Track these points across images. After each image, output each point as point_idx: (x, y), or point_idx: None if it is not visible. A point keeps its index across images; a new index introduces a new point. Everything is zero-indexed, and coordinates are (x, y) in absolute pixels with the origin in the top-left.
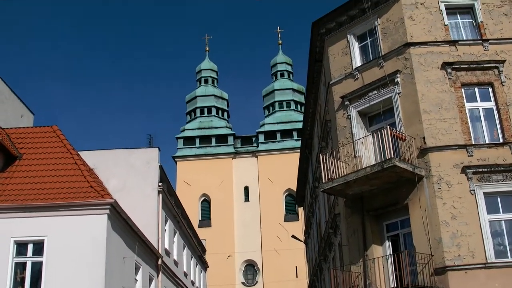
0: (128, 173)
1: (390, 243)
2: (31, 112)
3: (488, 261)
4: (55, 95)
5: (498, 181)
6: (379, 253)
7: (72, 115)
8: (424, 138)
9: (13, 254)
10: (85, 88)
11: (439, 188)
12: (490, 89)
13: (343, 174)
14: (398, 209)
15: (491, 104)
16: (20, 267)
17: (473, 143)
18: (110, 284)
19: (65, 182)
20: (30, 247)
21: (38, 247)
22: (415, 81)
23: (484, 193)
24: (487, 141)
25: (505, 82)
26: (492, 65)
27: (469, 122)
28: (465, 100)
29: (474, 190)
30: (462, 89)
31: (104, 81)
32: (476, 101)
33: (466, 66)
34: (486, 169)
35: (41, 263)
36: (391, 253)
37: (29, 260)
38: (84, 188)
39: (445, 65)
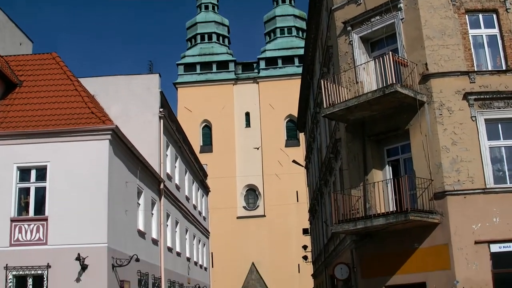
0: (128, 100)
1: (391, 168)
2: (29, 39)
3: (487, 187)
4: (53, 22)
5: (500, 108)
6: (379, 177)
7: (71, 43)
8: (426, 64)
9: (17, 179)
10: (85, 15)
11: (440, 114)
12: (494, 16)
13: (344, 100)
14: (399, 134)
15: (495, 31)
16: (24, 193)
17: (475, 69)
18: (113, 208)
19: (66, 109)
20: (33, 173)
21: (41, 173)
22: (419, 7)
23: (485, 120)
24: (489, 68)
25: (510, 9)
26: None
27: (472, 49)
28: (468, 27)
29: (475, 116)
30: (466, 16)
31: (104, 7)
32: (480, 27)
33: None
34: (487, 96)
35: (44, 188)
36: (391, 177)
37: (32, 185)
38: (85, 114)
39: None
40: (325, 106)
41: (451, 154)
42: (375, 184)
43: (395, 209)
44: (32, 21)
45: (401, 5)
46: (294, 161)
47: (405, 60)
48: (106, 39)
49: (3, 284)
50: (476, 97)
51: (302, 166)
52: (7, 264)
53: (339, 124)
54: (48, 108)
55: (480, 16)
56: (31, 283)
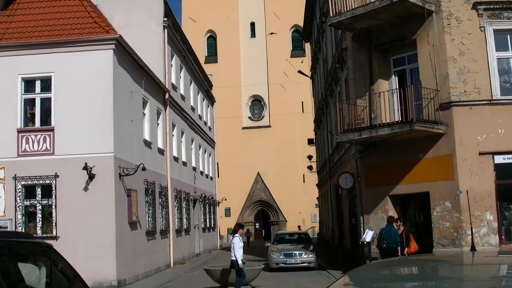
0: (132, 9)
1: (397, 78)
2: None
3: (494, 98)
4: None
5: (509, 18)
6: (385, 87)
7: None
8: None
9: (22, 91)
10: None
11: (448, 24)
12: None
13: (351, 8)
14: (406, 44)
15: None
16: (29, 104)
17: None
18: (119, 118)
19: (69, 19)
20: (38, 84)
21: (46, 84)
22: None
23: (494, 30)
24: None
25: None
26: None
27: None
28: None
29: (484, 26)
30: None
31: None
32: None
33: None
34: (497, 6)
35: (49, 99)
36: (397, 87)
37: (37, 96)
38: (89, 24)
39: None
40: (331, 15)
41: (458, 65)
42: (380, 94)
43: (400, 119)
44: None
45: None
46: (299, 72)
47: None
48: None
49: (13, 194)
50: (485, 6)
51: (308, 76)
52: (15, 174)
53: (346, 33)
54: (50, 18)
55: None
56: (39, 192)
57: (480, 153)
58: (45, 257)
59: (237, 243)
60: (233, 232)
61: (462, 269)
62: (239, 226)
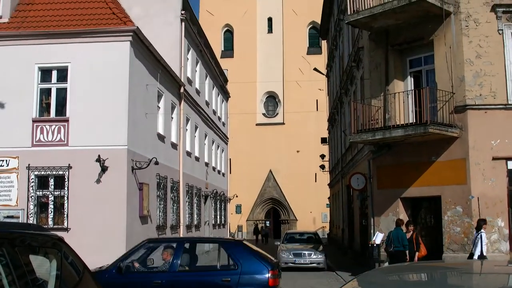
0: (150, 1)
1: (412, 79)
2: None
3: (509, 102)
4: None
5: None
6: (401, 88)
7: None
8: None
9: (38, 80)
10: None
11: (466, 26)
12: None
13: (369, 6)
14: (423, 44)
15: None
16: (45, 93)
17: None
18: (134, 110)
19: (87, 9)
20: (54, 74)
21: (62, 74)
22: None
23: None
24: None
25: None
26: None
27: None
28: None
29: (502, 29)
30: None
31: None
32: None
33: None
34: None
35: (65, 89)
36: (413, 88)
37: (53, 86)
38: (107, 15)
39: None
40: (349, 13)
41: (475, 68)
42: (395, 94)
43: (414, 121)
44: None
45: None
46: (315, 69)
47: None
48: None
49: (26, 184)
50: (504, 9)
51: (323, 74)
52: (29, 164)
53: (363, 32)
54: (69, 8)
55: None
56: (52, 183)
57: (494, 158)
58: (56, 250)
59: None
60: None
61: (471, 277)
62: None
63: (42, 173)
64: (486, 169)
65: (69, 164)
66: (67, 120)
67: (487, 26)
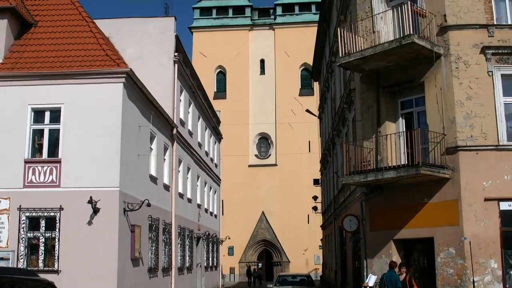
0: (143, 43)
1: (404, 121)
2: None
3: (500, 144)
4: None
5: None
6: (392, 130)
7: None
8: (445, 15)
9: (31, 121)
10: None
11: (456, 68)
12: None
13: (360, 49)
14: (414, 86)
15: None
16: (38, 134)
17: (495, 23)
18: (126, 152)
19: (80, 50)
20: (47, 115)
21: (55, 115)
22: None
23: (502, 75)
24: (509, 22)
25: None
26: None
27: (493, 1)
28: None
29: (492, 71)
30: None
31: None
32: None
33: None
34: (506, 51)
35: (58, 130)
36: (404, 130)
37: (46, 127)
38: (100, 56)
39: None
40: (340, 55)
41: (465, 109)
42: (387, 136)
43: (406, 163)
44: None
45: None
46: (307, 111)
47: (424, 11)
48: None
49: (17, 225)
50: (494, 51)
51: (315, 115)
52: (20, 205)
53: (354, 74)
54: (63, 50)
55: None
56: (43, 224)
57: (486, 199)
58: None
59: None
60: None
61: None
62: None
63: (34, 214)
64: (478, 210)
65: (60, 206)
66: (59, 161)
67: (477, 68)
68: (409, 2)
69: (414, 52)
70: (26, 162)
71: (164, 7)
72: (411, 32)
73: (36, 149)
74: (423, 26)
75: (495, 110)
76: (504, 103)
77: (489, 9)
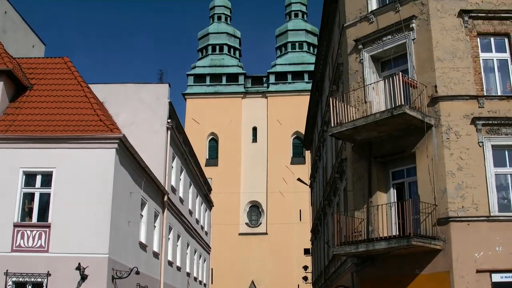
0: (137, 108)
1: (395, 191)
2: (42, 42)
3: (492, 214)
4: (66, 25)
5: (508, 134)
6: (384, 200)
7: (83, 47)
8: (435, 86)
9: (22, 184)
10: (97, 21)
11: (447, 138)
12: (506, 40)
13: (352, 119)
14: (405, 157)
15: (506, 55)
16: (28, 198)
17: (485, 94)
18: (116, 218)
19: (74, 115)
20: (38, 178)
21: (47, 179)
22: (431, 27)
23: (492, 146)
24: (499, 93)
25: None
26: (510, 15)
27: (483, 73)
28: (480, 50)
29: (482, 142)
30: (478, 38)
31: (117, 15)
32: (491, 51)
33: (484, 15)
34: (496, 122)
35: (49, 194)
36: (395, 201)
37: (37, 191)
38: (94, 121)
39: (462, 13)
40: (332, 125)
41: (457, 180)
42: (379, 207)
43: (397, 233)
44: (45, 22)
45: (413, 25)
46: (299, 179)
47: (415, 82)
48: (118, 46)
49: None
50: (484, 122)
51: (307, 184)
52: (7, 270)
53: (346, 143)
54: (57, 113)
55: (492, 39)
56: None
57: (478, 271)
58: None
59: None
60: None
61: None
62: None
63: (20, 279)
64: (470, 282)
65: (48, 271)
66: (48, 226)
67: (467, 139)
68: (400, 73)
69: (406, 123)
70: (15, 225)
71: (159, 73)
72: (403, 103)
73: (26, 212)
74: (414, 96)
75: (486, 181)
76: (495, 174)
77: (479, 80)
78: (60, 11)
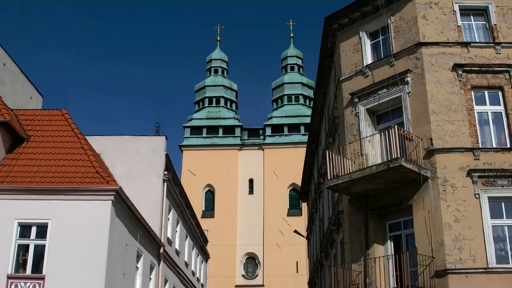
0: (134, 160)
1: (392, 243)
2: (40, 94)
3: (489, 266)
4: (64, 77)
5: (503, 186)
6: (381, 252)
7: (80, 99)
8: (431, 139)
9: (17, 236)
10: (95, 73)
11: (443, 190)
12: (500, 93)
13: (348, 172)
14: (402, 209)
15: (500, 108)
16: (23, 249)
17: (480, 146)
18: (112, 270)
19: (71, 166)
20: (33, 230)
21: (42, 230)
22: (425, 81)
23: (489, 198)
24: (494, 145)
25: None
26: (503, 68)
27: (477, 125)
28: (474, 103)
29: (478, 194)
30: (472, 92)
31: (114, 67)
32: (485, 104)
33: (477, 68)
34: (491, 174)
35: (44, 246)
36: (393, 253)
37: (32, 242)
38: (90, 173)
39: (456, 67)
40: (329, 178)
41: (454, 232)
42: (376, 259)
43: (395, 286)
44: (43, 74)
45: (408, 79)
46: (295, 231)
47: (410, 135)
48: (115, 98)
49: None
50: (480, 174)
51: (304, 236)
52: None
53: (342, 196)
54: (53, 165)
55: (486, 92)
56: None
57: None
58: None
59: None
60: None
61: None
62: None
63: None
64: None
65: None
66: (43, 278)
67: (464, 191)
68: (396, 126)
69: (402, 175)
70: (8, 277)
71: (156, 125)
72: (399, 156)
73: (20, 264)
74: (410, 149)
75: (483, 233)
76: (492, 226)
77: (474, 133)
78: (58, 62)
